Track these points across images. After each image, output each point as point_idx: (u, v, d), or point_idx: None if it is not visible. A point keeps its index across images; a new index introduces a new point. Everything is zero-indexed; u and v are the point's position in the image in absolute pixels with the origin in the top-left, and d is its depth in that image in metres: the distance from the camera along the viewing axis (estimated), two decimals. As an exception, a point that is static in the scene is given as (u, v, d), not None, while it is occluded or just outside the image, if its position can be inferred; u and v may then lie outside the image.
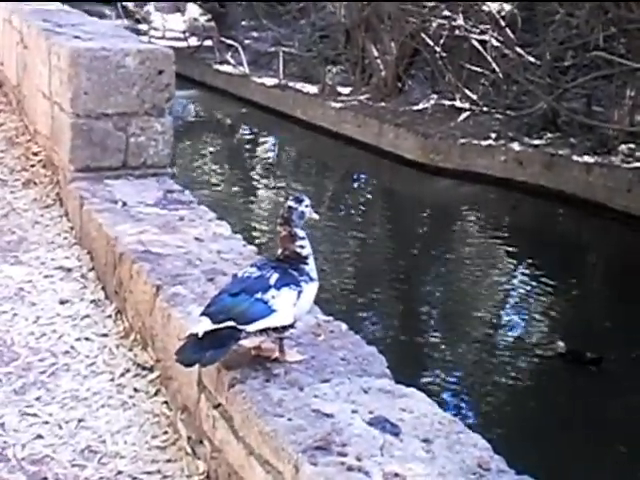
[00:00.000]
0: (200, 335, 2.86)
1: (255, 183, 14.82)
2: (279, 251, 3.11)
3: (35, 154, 6.15)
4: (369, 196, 14.59)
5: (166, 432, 3.49)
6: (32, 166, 6.01)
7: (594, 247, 12.22)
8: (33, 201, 5.53)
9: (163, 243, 4.20)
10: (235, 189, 14.05)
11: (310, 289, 3.02)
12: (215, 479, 3.19)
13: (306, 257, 3.05)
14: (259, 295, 2.90)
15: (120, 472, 3.29)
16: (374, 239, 12.22)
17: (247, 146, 18.08)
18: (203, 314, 2.92)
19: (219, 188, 13.69)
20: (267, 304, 2.89)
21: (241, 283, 2.96)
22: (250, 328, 2.88)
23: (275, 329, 2.96)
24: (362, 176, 15.57)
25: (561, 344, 8.42)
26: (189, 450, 3.37)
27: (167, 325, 3.57)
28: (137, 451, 3.39)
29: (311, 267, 3.05)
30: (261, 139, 18.47)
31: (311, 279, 3.03)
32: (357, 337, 3.37)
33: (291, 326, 3.02)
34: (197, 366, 3.15)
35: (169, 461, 3.35)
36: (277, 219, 3.19)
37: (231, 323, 2.85)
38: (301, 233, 3.07)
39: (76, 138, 5.16)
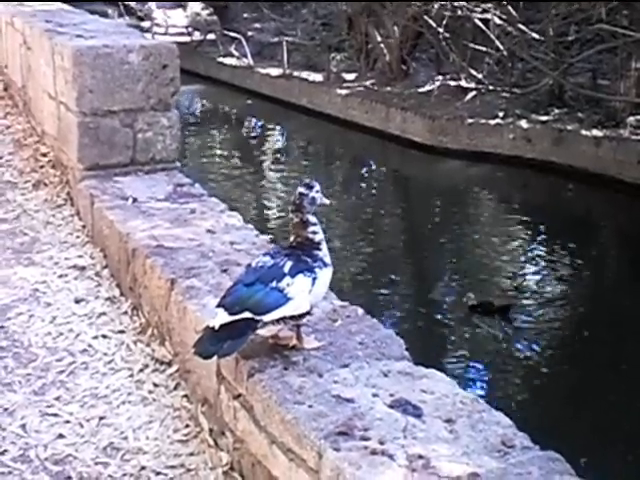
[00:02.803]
0: (217, 327, 2.85)
1: (264, 173, 14.82)
2: (291, 238, 3.09)
3: (44, 155, 6.15)
4: (379, 180, 14.56)
5: (187, 425, 3.49)
6: (41, 167, 6.01)
7: (606, 220, 12.16)
8: (44, 202, 5.53)
9: (175, 237, 4.19)
10: (245, 179, 14.04)
11: (324, 275, 3.01)
12: (239, 470, 3.19)
13: (319, 243, 3.03)
14: (274, 284, 2.89)
15: (143, 467, 3.29)
16: (386, 222, 12.20)
17: (255, 137, 18.07)
18: (219, 306, 2.91)
19: (229, 180, 13.68)
20: (282, 292, 2.88)
21: (255, 273, 2.94)
22: (266, 318, 2.87)
23: (292, 317, 2.95)
24: (371, 161, 15.53)
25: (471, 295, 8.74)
26: (211, 442, 3.37)
27: (183, 318, 3.56)
28: (159, 446, 3.39)
29: (324, 253, 3.03)
30: (269, 129, 18.44)
31: (325, 265, 3.02)
32: (374, 321, 3.36)
33: (307, 313, 3.00)
34: (215, 358, 3.15)
35: (192, 454, 3.35)
36: (289, 206, 3.17)
37: (247, 314, 2.84)
38: (313, 219, 3.06)
39: (83, 137, 5.15)
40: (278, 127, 18.32)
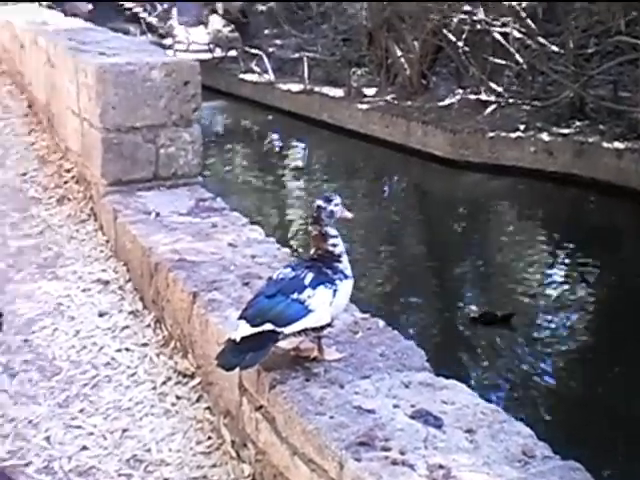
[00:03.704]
0: (238, 339, 2.88)
1: (286, 187, 14.88)
2: (312, 250, 3.11)
3: (67, 171, 6.21)
4: (400, 194, 14.59)
5: (210, 437, 3.52)
6: (65, 183, 6.07)
7: (628, 232, 12.09)
8: (68, 217, 5.59)
9: (197, 251, 4.23)
10: (266, 194, 14.10)
11: (345, 287, 3.03)
12: (261, 481, 3.21)
13: (339, 255, 3.05)
14: (295, 295, 2.91)
15: (166, 479, 3.32)
16: (407, 236, 12.21)
17: (276, 152, 18.14)
18: (241, 318, 2.94)
19: (250, 194, 13.75)
20: (304, 304, 2.90)
21: (276, 285, 2.97)
22: (288, 330, 2.89)
23: (313, 329, 2.97)
24: (392, 175, 15.56)
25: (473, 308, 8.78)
26: (234, 454, 3.39)
27: (205, 331, 3.59)
28: (182, 457, 3.42)
29: (345, 265, 3.05)
30: (289, 144, 18.52)
31: (346, 277, 3.04)
32: (395, 332, 3.37)
33: (329, 325, 3.02)
34: (237, 370, 3.18)
35: (214, 466, 3.37)
36: (308, 219, 3.20)
37: (269, 326, 2.87)
38: (332, 232, 3.07)
39: (107, 152, 5.21)
40: (299, 142, 18.40)
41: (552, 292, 9.98)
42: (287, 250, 4.34)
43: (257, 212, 11.48)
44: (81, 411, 3.70)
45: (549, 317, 9.25)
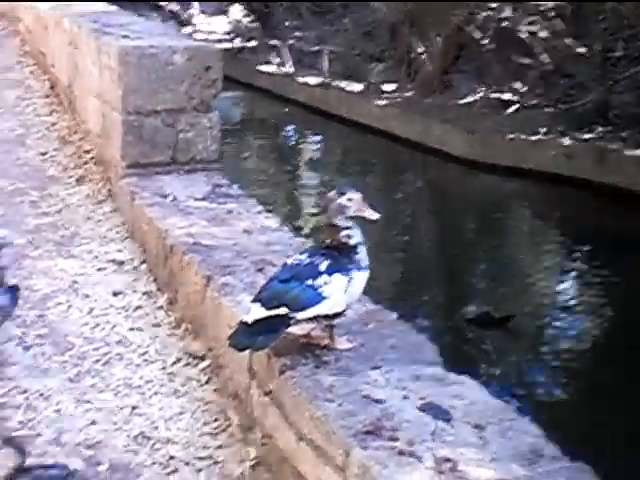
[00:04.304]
0: (251, 321, 2.91)
1: (300, 179, 14.90)
2: (327, 240, 3.14)
3: (87, 152, 6.26)
4: (416, 193, 14.57)
5: (217, 419, 3.55)
6: (84, 163, 6.12)
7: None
8: (86, 197, 5.64)
9: (212, 235, 4.27)
10: (280, 185, 14.13)
11: (360, 277, 3.05)
12: (266, 465, 3.24)
13: (355, 246, 3.07)
14: (310, 282, 2.93)
15: (172, 457, 3.35)
16: (420, 234, 12.21)
17: (292, 144, 18.15)
18: (255, 301, 2.97)
19: (265, 184, 13.78)
20: (317, 291, 2.93)
21: (291, 270, 2.99)
22: (301, 315, 2.92)
23: (325, 316, 3.00)
24: (408, 173, 15.54)
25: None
26: (240, 437, 3.43)
27: (218, 314, 3.63)
28: (189, 437, 3.46)
29: (361, 256, 3.07)
30: (305, 137, 18.52)
31: (361, 267, 3.05)
32: (407, 325, 3.40)
33: (341, 313, 3.05)
34: (248, 353, 3.22)
35: (220, 447, 3.41)
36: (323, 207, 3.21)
37: (282, 310, 2.89)
38: (345, 223, 3.06)
39: (127, 135, 5.24)
40: (315, 136, 18.40)
41: (561, 297, 9.98)
42: (301, 239, 4.38)
43: (270, 201, 11.49)
44: (92, 386, 3.75)
45: (555, 321, 9.24)
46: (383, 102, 16.95)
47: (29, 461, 3.12)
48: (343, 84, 18.52)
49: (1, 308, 3.84)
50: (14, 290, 3.93)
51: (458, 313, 9.44)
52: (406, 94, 17.10)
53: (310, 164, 16.19)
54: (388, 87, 17.98)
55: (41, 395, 3.68)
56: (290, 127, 19.21)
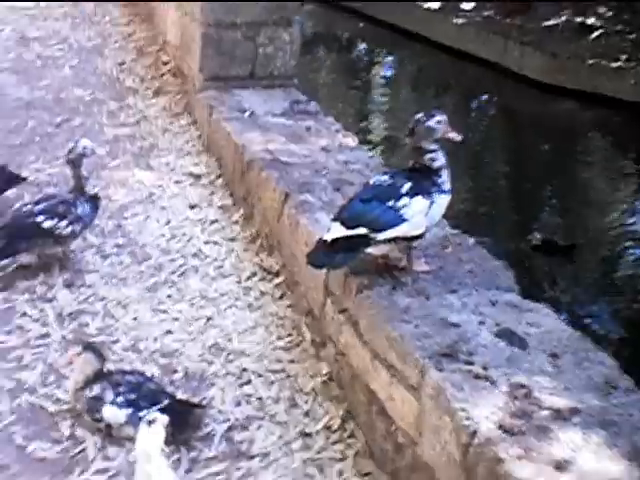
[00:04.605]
0: (331, 240, 2.91)
1: (373, 99, 14.72)
2: (410, 163, 3.11)
3: (165, 63, 6.25)
4: (489, 116, 14.31)
5: (290, 334, 3.61)
6: (162, 75, 6.12)
7: None
8: (163, 109, 5.65)
9: (290, 152, 4.26)
10: (353, 104, 13.99)
11: (442, 200, 3.02)
12: (337, 381, 3.29)
13: (438, 169, 3.04)
14: (391, 203, 2.92)
15: (245, 369, 3.43)
16: (492, 157, 12.03)
17: (366, 61, 17.89)
18: (335, 219, 2.97)
19: (337, 101, 13.65)
20: (398, 212, 2.92)
21: (373, 190, 2.98)
22: (381, 236, 2.91)
23: (405, 238, 2.99)
24: (483, 94, 15.23)
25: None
26: (312, 352, 3.48)
27: (295, 231, 3.64)
28: (262, 350, 3.52)
29: (444, 179, 3.04)
30: (379, 55, 18.22)
31: (443, 191, 3.03)
32: (484, 251, 3.38)
33: (421, 236, 3.04)
34: (324, 271, 3.24)
35: (293, 361, 3.47)
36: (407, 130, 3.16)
37: (362, 230, 2.89)
38: (430, 146, 3.03)
39: (206, 47, 5.22)
40: (389, 53, 18.08)
41: (632, 228, 9.79)
42: (379, 159, 4.34)
43: (344, 119, 11.37)
44: (168, 297, 3.83)
45: (623, 251, 9.06)
46: (460, 20, 16.55)
47: (108, 366, 3.20)
48: (419, 2, 18.11)
49: (82, 217, 3.91)
50: (95, 200, 3.99)
51: (525, 239, 9.34)
52: (485, 13, 16.67)
53: (383, 82, 15.97)
54: (466, 5, 17.54)
55: (119, 303, 3.77)
56: (363, 44, 18.90)
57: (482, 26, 15.96)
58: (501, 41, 15.11)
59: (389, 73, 16.90)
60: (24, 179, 4.45)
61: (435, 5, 17.64)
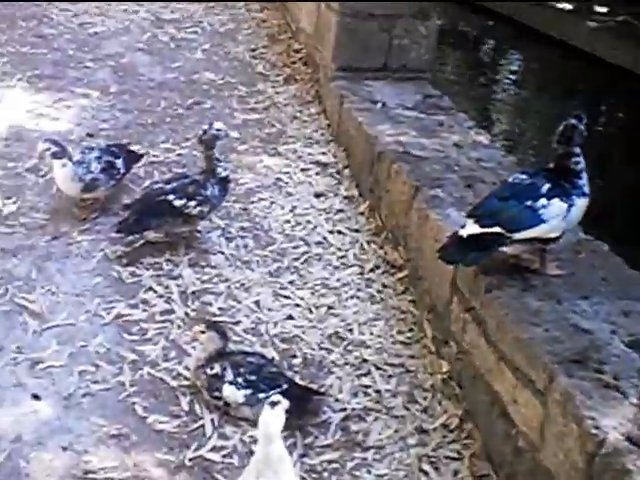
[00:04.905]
0: (464, 236, 2.87)
1: (499, 96, 14.49)
2: (551, 165, 3.03)
3: (296, 51, 6.29)
4: (618, 123, 13.90)
5: (411, 329, 3.58)
6: (293, 63, 6.15)
7: None
8: (293, 97, 5.68)
9: (422, 146, 4.21)
10: (480, 102, 13.79)
11: (581, 204, 2.95)
12: (457, 380, 3.25)
13: (580, 172, 2.96)
14: (529, 203, 2.86)
15: (365, 360, 3.41)
16: (619, 166, 11.67)
17: (492, 60, 17.62)
18: (470, 216, 2.92)
19: (464, 98, 13.48)
20: (536, 213, 2.85)
21: (511, 188, 2.92)
22: (517, 236, 2.86)
23: (540, 240, 2.92)
24: (613, 101, 14.82)
25: None
26: (433, 349, 3.44)
27: (423, 226, 3.60)
28: (382, 343, 3.50)
29: (584, 182, 2.96)
30: (507, 54, 17.92)
31: (583, 194, 2.95)
32: (619, 259, 3.27)
33: (557, 239, 2.96)
34: (452, 268, 3.19)
35: (413, 357, 3.44)
36: (555, 136, 3.07)
37: (498, 229, 2.84)
38: (577, 150, 2.98)
39: (341, 37, 5.21)
40: (517, 52, 17.75)
41: None
42: (513, 158, 4.26)
43: (473, 115, 11.20)
44: (290, 283, 3.84)
45: None
46: (593, 24, 16.13)
47: (229, 347, 3.24)
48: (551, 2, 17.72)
49: (210, 199, 3.96)
50: (225, 182, 4.03)
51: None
52: (620, 17, 16.20)
53: (509, 81, 15.70)
54: (600, 8, 17.08)
55: (242, 285, 3.81)
56: (491, 41, 18.59)
57: (616, 30, 15.51)
58: (636, 47, 14.66)
59: (516, 72, 16.59)
60: (142, 156, 4.52)
61: (568, 6, 17.23)
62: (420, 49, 5.23)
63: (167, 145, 4.94)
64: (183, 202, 3.89)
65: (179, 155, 4.84)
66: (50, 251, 3.90)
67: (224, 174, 3.99)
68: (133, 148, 4.62)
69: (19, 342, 3.33)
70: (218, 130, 3.94)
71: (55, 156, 3.97)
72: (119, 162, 4.22)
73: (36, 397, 3.09)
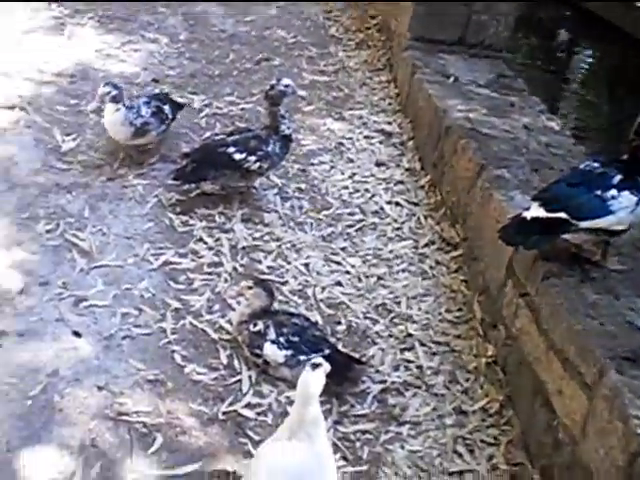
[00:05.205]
0: (529, 219, 2.78)
1: (572, 87, 14.22)
2: (625, 156, 2.92)
3: (372, 17, 6.20)
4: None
5: (460, 309, 3.50)
6: (367, 28, 6.06)
7: None
8: (363, 62, 5.60)
9: (491, 125, 4.11)
10: (549, 90, 13.56)
11: (652, 200, 2.84)
12: (502, 365, 3.18)
13: (654, 167, 2.85)
14: (599, 192, 2.76)
15: (409, 335, 3.35)
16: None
17: (566, 50, 17.28)
18: (535, 199, 2.83)
19: (532, 86, 13.26)
20: (605, 203, 2.75)
21: (582, 175, 2.82)
22: (583, 224, 2.76)
23: (605, 231, 2.82)
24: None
25: None
26: (481, 332, 3.37)
27: (485, 205, 3.51)
28: (429, 320, 3.44)
29: (658, 178, 2.85)
30: (581, 46, 17.57)
31: (656, 189, 2.84)
32: (683, 259, 3.16)
33: (622, 232, 2.86)
34: (509, 251, 3.11)
35: (459, 337, 3.37)
36: (632, 127, 2.96)
37: (563, 215, 2.75)
38: None
39: (418, 7, 5.11)
40: (591, 45, 17.39)
41: None
42: (582, 148, 4.14)
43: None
44: (342, 249, 3.79)
45: None
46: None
47: (275, 306, 3.20)
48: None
49: (271, 155, 3.90)
50: (287, 140, 3.97)
51: None
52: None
53: (584, 73, 15.40)
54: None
55: (293, 246, 3.76)
56: (568, 32, 18.22)
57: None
58: None
59: (590, 65, 16.26)
60: (183, 106, 4.46)
61: (650, 3, 16.78)
62: (499, 26, 5.11)
63: (231, 98, 4.90)
64: (243, 156, 3.84)
65: (242, 109, 4.80)
66: (104, 191, 3.89)
67: (287, 132, 3.92)
68: (177, 97, 4.57)
69: (65, 278, 3.32)
70: (286, 86, 3.87)
71: (114, 100, 3.94)
72: (167, 108, 4.17)
73: (77, 334, 3.08)
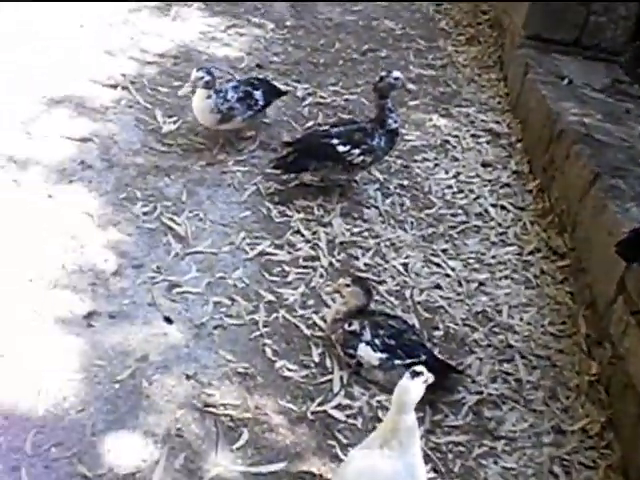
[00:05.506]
0: (651, 234, 2.63)
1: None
2: None
3: (484, 12, 6.02)
4: None
5: (564, 322, 3.34)
6: (478, 24, 5.89)
7: None
8: (473, 59, 5.44)
9: (607, 132, 3.92)
10: None
11: None
12: (605, 385, 3.01)
13: None
14: None
15: (509, 346, 3.21)
16: None
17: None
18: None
19: None
20: None
21: None
22: None
23: None
24: None
25: None
26: (585, 348, 3.20)
27: (598, 216, 3.34)
28: (531, 331, 3.29)
29: None
30: None
31: None
32: None
33: None
34: (622, 265, 2.94)
35: (561, 352, 3.21)
36: None
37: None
38: None
39: (535, 4, 4.92)
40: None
41: None
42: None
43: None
44: (443, 251, 3.66)
45: None
46: None
47: (371, 306, 3.09)
48: None
49: (375, 149, 3.78)
50: (393, 135, 3.84)
51: None
52: None
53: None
54: None
55: (392, 245, 3.65)
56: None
57: None
58: None
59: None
60: (285, 92, 4.37)
61: None
62: (617, 30, 4.88)
63: (336, 88, 4.80)
64: (347, 149, 3.74)
65: (346, 100, 4.70)
66: (203, 176, 3.84)
67: (394, 126, 3.80)
68: (277, 83, 4.48)
69: (159, 262, 3.28)
70: (396, 79, 3.75)
71: (206, 86, 3.87)
72: (257, 94, 4.06)
73: (168, 320, 3.04)
